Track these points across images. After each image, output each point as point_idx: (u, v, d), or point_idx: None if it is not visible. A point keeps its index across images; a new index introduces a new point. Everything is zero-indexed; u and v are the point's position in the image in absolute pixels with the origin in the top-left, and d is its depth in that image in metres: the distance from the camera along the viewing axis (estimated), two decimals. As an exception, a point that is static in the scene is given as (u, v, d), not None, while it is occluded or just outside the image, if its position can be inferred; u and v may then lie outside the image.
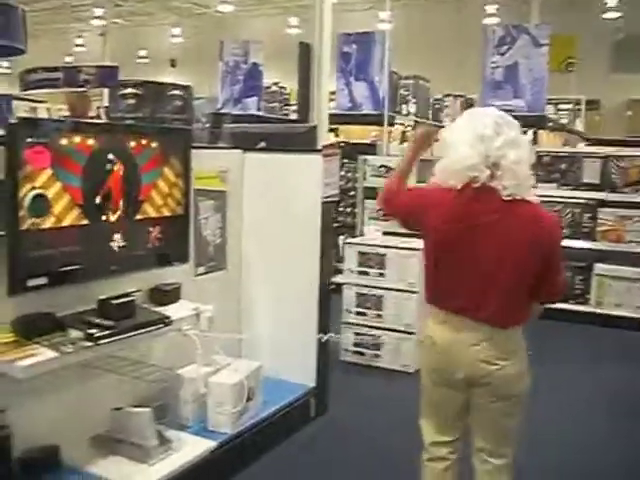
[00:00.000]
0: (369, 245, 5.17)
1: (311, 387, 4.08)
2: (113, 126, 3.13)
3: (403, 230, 4.83)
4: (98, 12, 18.17)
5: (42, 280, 2.67)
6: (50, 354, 2.62)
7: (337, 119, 9.74)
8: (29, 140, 2.55)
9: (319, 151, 3.93)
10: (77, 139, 2.75)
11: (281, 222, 4.02)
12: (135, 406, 3.13)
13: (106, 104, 12.67)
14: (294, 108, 14.57)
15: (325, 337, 4.08)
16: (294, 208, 3.99)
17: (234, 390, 3.38)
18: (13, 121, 2.52)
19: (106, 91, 13.64)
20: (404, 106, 11.10)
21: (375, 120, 10.15)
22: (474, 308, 2.52)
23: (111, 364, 3.02)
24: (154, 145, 3.12)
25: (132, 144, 3.01)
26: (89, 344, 2.73)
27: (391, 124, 10.50)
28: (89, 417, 3.07)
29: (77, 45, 21.88)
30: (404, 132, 12.30)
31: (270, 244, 4.08)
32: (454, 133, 2.53)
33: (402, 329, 5.05)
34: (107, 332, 2.79)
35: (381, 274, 5.11)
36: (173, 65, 20.52)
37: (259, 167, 4.07)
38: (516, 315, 2.61)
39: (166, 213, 3.23)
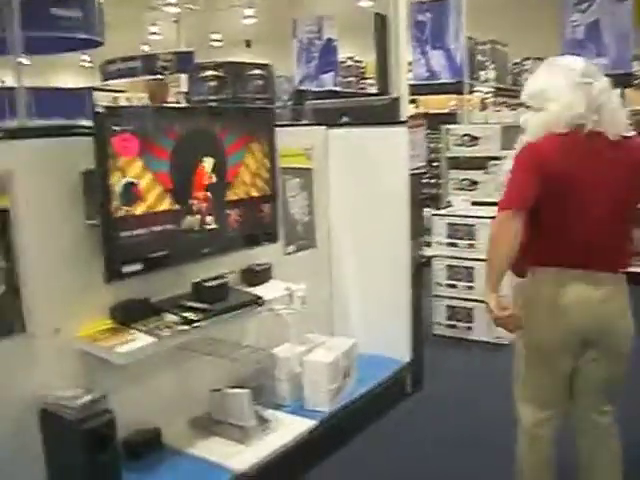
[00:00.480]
0: (458, 216, 5.06)
1: (406, 362, 4.00)
2: (197, 109, 3.13)
3: (492, 199, 4.72)
4: (171, -1, 18.39)
5: (137, 266, 2.69)
6: (148, 339, 2.65)
7: (415, 90, 9.58)
8: (116, 128, 2.56)
9: (404, 123, 3.83)
10: (163, 124, 2.75)
11: (369, 197, 3.95)
12: (233, 387, 3.14)
13: (184, 89, 12.91)
14: (370, 82, 14.45)
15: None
16: (381, 182, 3.91)
17: (330, 368, 3.34)
18: (99, 110, 2.52)
19: (184, 76, 13.90)
20: (482, 72, 10.83)
21: (454, 89, 9.96)
22: (595, 256, 2.50)
23: (207, 347, 3.04)
24: (238, 126, 3.09)
25: (216, 126, 2.99)
26: (185, 327, 2.75)
27: (470, 92, 10.27)
28: (188, 399, 3.11)
29: (152, 33, 22.25)
30: (484, 99, 12.03)
31: (358, 219, 4.02)
32: (546, 83, 2.49)
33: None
34: (202, 315, 2.81)
35: (471, 245, 4.99)
36: (248, 45, 20.61)
37: (344, 142, 4.00)
38: (626, 256, 2.56)
39: (254, 193, 3.21)
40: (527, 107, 2.60)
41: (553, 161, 2.46)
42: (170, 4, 18.39)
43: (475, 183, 6.90)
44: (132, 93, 15.00)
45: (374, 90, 10.75)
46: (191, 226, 2.91)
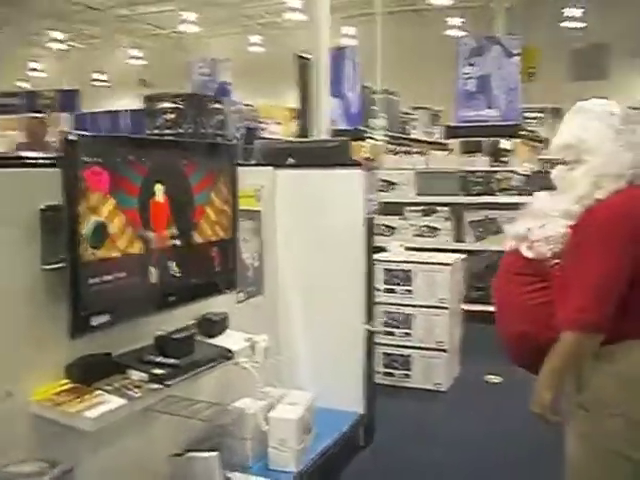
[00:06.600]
0: (394, 262, 4.96)
1: (360, 414, 3.81)
2: (168, 142, 2.86)
3: (427, 245, 4.59)
4: (56, 35, 17.74)
5: (105, 317, 2.37)
6: (119, 401, 2.33)
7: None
8: (86, 160, 2.27)
9: (359, 165, 3.70)
10: (133, 157, 2.47)
11: (320, 242, 3.76)
12: (193, 450, 2.84)
13: (66, 128, 12.39)
14: (263, 126, 14.36)
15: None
16: (334, 226, 3.74)
17: (298, 425, 3.10)
18: (72, 138, 2.21)
19: (65, 115, 13.37)
20: (375, 121, 11.03)
21: (351, 136, 10.02)
22: None
23: (169, 406, 2.73)
24: (206, 163, 2.85)
25: (184, 162, 2.74)
26: (156, 386, 2.45)
27: (363, 139, 10.39)
28: (147, 466, 2.77)
29: (32, 69, 21.35)
30: (375, 147, 12.24)
31: (309, 266, 3.82)
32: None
33: (433, 347, 4.84)
34: (172, 371, 2.52)
35: (408, 291, 4.90)
36: (144, 85, 20.07)
37: (292, 184, 3.82)
38: None
39: (217, 237, 2.96)
40: (559, 162, 2.30)
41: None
42: (56, 40, 17.69)
43: (392, 228, 6.87)
44: (2, 131, 13.91)
45: (268, 134, 10.68)
46: (158, 272, 2.62)
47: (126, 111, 12.46)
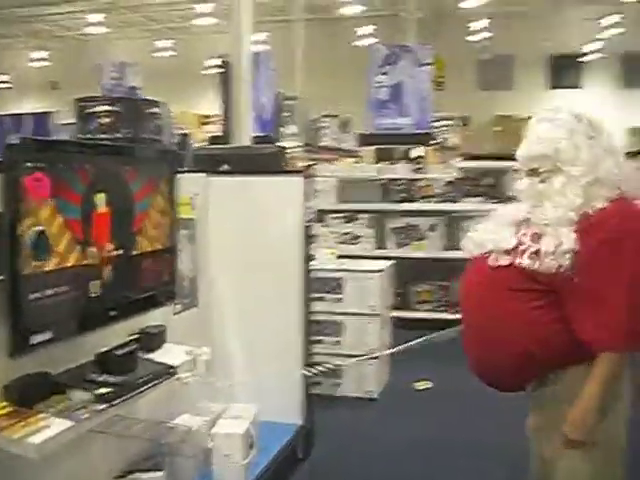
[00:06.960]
0: (324, 270, 4.90)
1: (299, 426, 3.75)
2: (114, 148, 2.71)
3: (350, 252, 4.52)
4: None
5: (47, 335, 2.22)
6: (63, 423, 2.18)
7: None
8: (29, 165, 2.12)
9: (299, 172, 3.64)
10: (76, 164, 2.33)
11: (257, 251, 3.68)
12: (137, 469, 2.71)
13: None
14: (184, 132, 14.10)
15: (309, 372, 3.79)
16: (271, 235, 3.67)
17: (244, 440, 3.01)
18: (14, 142, 2.06)
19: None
20: (286, 127, 11.01)
21: (264, 142, 9.97)
22: None
23: (111, 425, 2.58)
24: (147, 169, 2.73)
25: (127, 169, 2.61)
26: (102, 406, 2.31)
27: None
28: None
29: None
30: (291, 153, 12.21)
31: (245, 276, 3.72)
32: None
33: (364, 354, 4.81)
34: (118, 390, 2.38)
35: (339, 299, 4.86)
36: (54, 87, 19.30)
37: (228, 191, 3.71)
38: None
39: (158, 247, 2.84)
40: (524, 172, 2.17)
41: None
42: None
43: (314, 235, 6.83)
44: None
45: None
46: (100, 285, 2.47)
47: (30, 114, 11.97)
